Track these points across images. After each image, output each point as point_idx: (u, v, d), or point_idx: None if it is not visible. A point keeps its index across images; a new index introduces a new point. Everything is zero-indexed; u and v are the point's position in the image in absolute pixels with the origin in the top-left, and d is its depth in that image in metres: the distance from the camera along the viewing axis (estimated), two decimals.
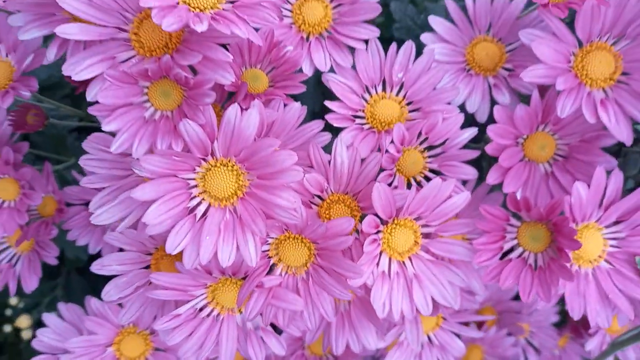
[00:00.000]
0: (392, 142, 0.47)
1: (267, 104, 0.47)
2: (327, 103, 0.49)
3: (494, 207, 0.45)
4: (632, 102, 0.45)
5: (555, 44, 0.45)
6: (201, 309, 0.49)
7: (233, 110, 0.40)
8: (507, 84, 0.54)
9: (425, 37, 0.54)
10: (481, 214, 0.46)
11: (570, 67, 0.46)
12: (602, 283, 0.47)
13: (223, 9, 0.40)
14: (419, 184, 0.51)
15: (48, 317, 0.61)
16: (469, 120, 0.52)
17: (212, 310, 0.50)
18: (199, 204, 0.43)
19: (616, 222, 0.47)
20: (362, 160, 0.47)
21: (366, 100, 0.51)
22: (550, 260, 0.45)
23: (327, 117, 0.48)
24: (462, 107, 0.53)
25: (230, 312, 0.50)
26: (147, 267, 0.52)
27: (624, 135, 0.44)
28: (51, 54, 0.48)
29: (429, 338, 0.59)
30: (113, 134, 0.42)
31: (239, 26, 0.39)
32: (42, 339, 0.61)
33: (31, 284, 0.61)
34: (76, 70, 0.40)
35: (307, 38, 0.52)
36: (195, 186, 0.43)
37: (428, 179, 0.51)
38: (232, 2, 0.41)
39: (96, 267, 0.51)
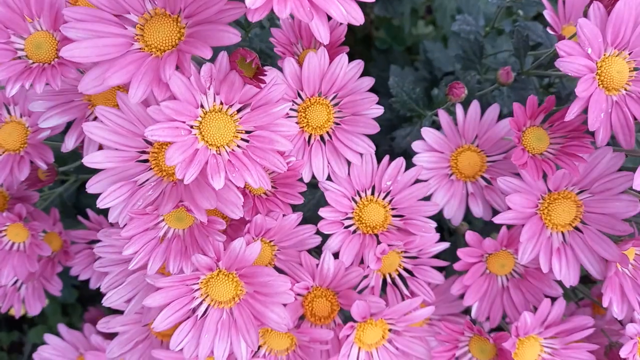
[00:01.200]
0: (374, 255, 0.53)
1: (269, 212, 0.52)
2: (321, 212, 0.54)
3: (452, 324, 0.53)
4: (584, 250, 0.52)
5: (527, 194, 0.51)
6: None
7: (239, 243, 0.46)
8: (483, 196, 0.60)
9: (416, 144, 0.59)
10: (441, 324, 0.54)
11: (537, 210, 0.52)
12: None
13: (238, 146, 0.45)
14: (393, 281, 0.58)
15: (49, 337, 0.69)
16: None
17: None
18: (200, 304, 0.49)
19: (553, 337, 0.56)
20: (346, 268, 0.54)
21: (356, 203, 0.57)
22: None
23: (319, 225, 0.54)
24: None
25: None
26: (147, 324, 0.59)
27: (571, 280, 0.52)
28: (70, 143, 0.51)
29: None
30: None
31: (252, 175, 0.44)
32: (42, 354, 0.68)
33: (35, 309, 0.68)
34: (101, 199, 0.44)
35: (309, 140, 0.56)
36: (198, 289, 0.49)
37: (401, 277, 0.59)
38: (246, 140, 0.45)
39: (102, 326, 0.57)
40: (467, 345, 0.55)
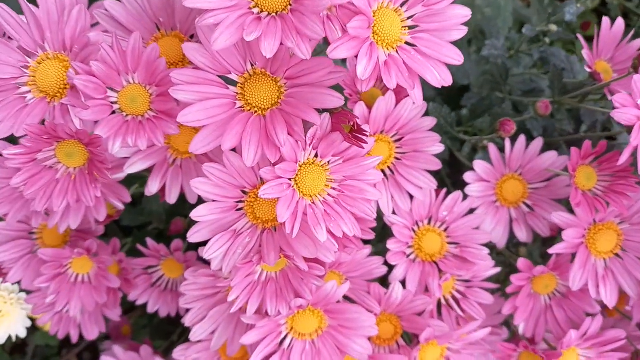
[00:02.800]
0: (439, 286, 0.58)
1: (345, 248, 0.56)
2: (388, 244, 0.58)
3: (506, 344, 0.59)
4: (624, 275, 0.58)
5: (577, 227, 0.57)
6: None
7: (332, 285, 0.50)
8: (525, 221, 0.65)
9: (468, 176, 0.63)
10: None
11: (583, 240, 0.58)
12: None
13: (329, 195, 0.48)
14: (447, 302, 0.63)
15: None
16: None
17: None
18: (285, 338, 0.53)
19: (589, 347, 0.63)
20: (414, 296, 0.59)
21: (414, 232, 0.61)
22: None
23: (387, 257, 0.58)
24: None
25: None
26: None
27: (612, 301, 0.58)
28: (154, 188, 0.53)
29: None
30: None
31: (347, 224, 0.47)
32: None
33: (92, 335, 0.69)
34: (207, 250, 0.47)
35: None
36: (285, 324, 0.53)
37: (454, 298, 0.64)
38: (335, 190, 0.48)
39: (178, 355, 0.60)
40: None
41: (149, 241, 0.67)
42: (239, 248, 0.48)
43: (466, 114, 0.80)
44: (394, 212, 0.59)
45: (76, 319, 0.70)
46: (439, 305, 0.64)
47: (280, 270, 0.51)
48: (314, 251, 0.47)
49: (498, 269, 0.62)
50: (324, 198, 0.47)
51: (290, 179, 0.46)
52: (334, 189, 0.48)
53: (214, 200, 0.47)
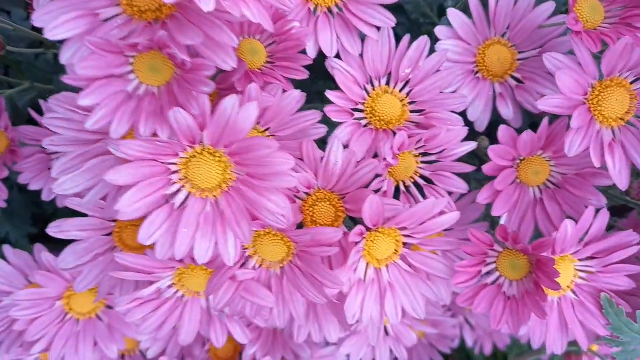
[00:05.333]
0: (391, 148, 0.44)
1: (265, 87, 0.43)
2: (328, 94, 0.45)
3: (480, 233, 0.44)
4: (637, 147, 0.44)
5: (578, 75, 0.43)
6: (166, 288, 0.47)
7: (231, 102, 0.36)
8: (513, 96, 0.51)
9: (440, 30, 0.50)
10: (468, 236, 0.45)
11: (585, 100, 0.44)
12: (564, 312, 0.49)
13: None
14: (408, 189, 0.49)
15: None
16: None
17: (176, 292, 0.48)
18: (178, 191, 0.39)
19: (590, 258, 0.48)
20: (357, 162, 0.45)
21: (368, 93, 0.48)
22: (526, 293, 0.45)
23: (326, 110, 0.45)
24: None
25: (196, 295, 0.48)
26: (110, 234, 0.49)
27: (623, 181, 0.44)
28: None
29: (385, 329, 0.60)
30: None
31: (250, 6, 0.34)
32: None
33: None
34: (50, 26, 0.34)
35: (315, 11, 0.47)
36: (177, 172, 0.39)
37: (417, 185, 0.50)
38: None
39: (53, 231, 0.47)
40: (495, 262, 0.47)
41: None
42: None
43: (450, 4, 0.67)
44: (338, 57, 0.46)
45: None
46: (398, 193, 0.50)
47: (166, 85, 0.37)
48: (199, 39, 0.33)
49: (474, 143, 0.48)
50: None
51: None
52: None
53: None
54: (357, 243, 0.44)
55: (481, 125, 0.51)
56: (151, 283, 0.46)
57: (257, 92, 0.41)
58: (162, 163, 0.38)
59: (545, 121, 0.45)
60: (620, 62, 0.43)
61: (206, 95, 0.36)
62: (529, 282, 0.45)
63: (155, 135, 0.36)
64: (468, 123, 0.49)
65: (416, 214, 0.44)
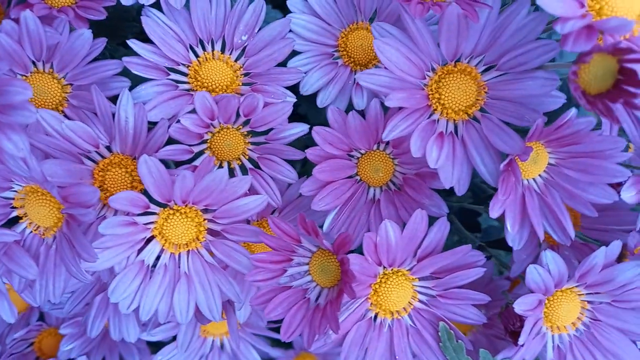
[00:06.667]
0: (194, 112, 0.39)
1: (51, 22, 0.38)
2: (132, 42, 0.39)
3: (285, 223, 0.37)
4: (478, 145, 0.37)
5: (410, 52, 0.37)
6: None
7: None
8: None
9: (292, 2, 0.44)
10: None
11: (424, 85, 0.38)
12: (395, 339, 0.41)
13: None
14: (232, 171, 0.43)
15: None
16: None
17: None
18: None
19: (431, 278, 0.41)
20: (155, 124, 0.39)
21: (197, 55, 0.43)
22: (329, 302, 0.38)
23: (124, 60, 0.39)
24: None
25: None
26: None
27: (461, 187, 0.36)
28: None
29: (222, 343, 0.53)
30: None
31: None
32: None
33: None
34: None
35: None
36: None
37: (244, 168, 0.43)
38: None
39: None
40: (307, 263, 0.39)
41: None
42: None
43: None
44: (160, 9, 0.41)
45: None
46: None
47: None
48: None
49: (305, 126, 0.41)
50: None
51: None
52: None
53: None
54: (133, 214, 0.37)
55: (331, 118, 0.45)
56: None
57: (35, 23, 0.36)
58: None
59: (374, 103, 0.39)
60: (462, 43, 0.37)
61: None
62: (336, 289, 0.38)
63: None
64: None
65: (210, 188, 0.37)
